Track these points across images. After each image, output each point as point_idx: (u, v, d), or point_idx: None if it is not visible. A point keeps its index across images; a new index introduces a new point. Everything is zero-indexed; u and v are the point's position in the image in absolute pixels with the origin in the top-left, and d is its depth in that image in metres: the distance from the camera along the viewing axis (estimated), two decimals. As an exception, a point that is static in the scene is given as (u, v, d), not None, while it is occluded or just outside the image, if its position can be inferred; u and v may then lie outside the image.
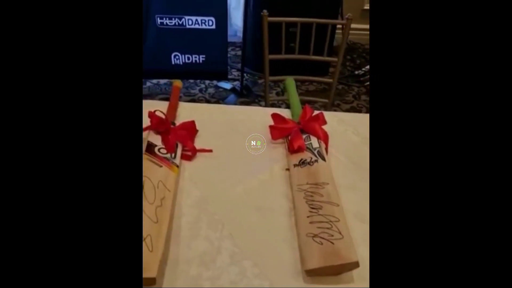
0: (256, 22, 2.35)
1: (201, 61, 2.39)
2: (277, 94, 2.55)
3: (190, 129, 0.95)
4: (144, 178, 0.76)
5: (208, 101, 2.43)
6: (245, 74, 2.61)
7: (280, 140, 0.98)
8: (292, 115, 1.05)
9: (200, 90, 2.55)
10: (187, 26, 2.26)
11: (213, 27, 2.26)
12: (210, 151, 0.92)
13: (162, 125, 0.91)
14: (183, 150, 0.90)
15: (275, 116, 0.99)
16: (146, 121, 0.92)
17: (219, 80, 2.58)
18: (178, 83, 1.17)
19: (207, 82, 2.61)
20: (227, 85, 2.58)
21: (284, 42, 1.47)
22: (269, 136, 0.98)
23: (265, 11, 1.43)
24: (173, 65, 2.40)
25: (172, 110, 1.02)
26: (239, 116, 1.09)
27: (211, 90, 2.54)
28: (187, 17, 2.23)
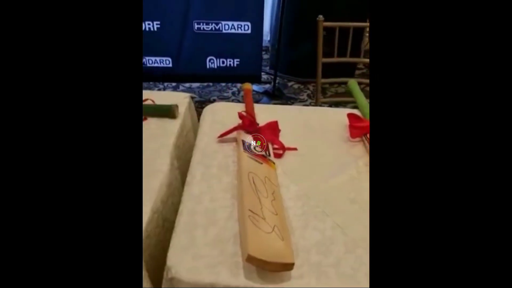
0: (284, 26, 2.41)
1: (235, 65, 2.44)
2: (308, 96, 2.60)
3: (274, 128, 1.01)
4: (251, 175, 0.81)
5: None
6: (269, 76, 2.67)
7: (358, 138, 1.03)
8: (364, 115, 1.11)
9: (233, 93, 2.60)
10: (223, 31, 2.32)
11: (249, 31, 2.32)
12: (295, 149, 0.98)
13: (252, 125, 0.97)
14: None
15: (350, 116, 1.05)
16: (226, 121, 0.98)
17: (251, 83, 2.63)
18: (248, 85, 1.22)
19: (238, 85, 2.67)
20: (258, 88, 2.63)
21: (337, 46, 1.52)
22: (345, 134, 1.04)
23: (320, 16, 1.48)
24: (207, 69, 2.45)
25: (252, 111, 1.07)
26: (312, 116, 1.14)
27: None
28: (223, 22, 2.29)
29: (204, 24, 2.30)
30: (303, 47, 2.62)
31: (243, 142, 0.92)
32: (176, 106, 1.05)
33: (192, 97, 1.18)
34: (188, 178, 0.88)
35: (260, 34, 2.35)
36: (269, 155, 0.91)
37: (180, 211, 0.79)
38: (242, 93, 2.64)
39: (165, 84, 2.65)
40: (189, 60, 2.41)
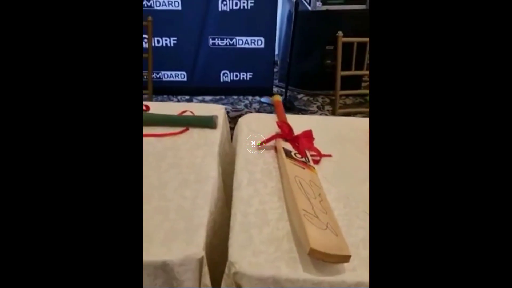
0: (295, 40, 2.50)
1: (248, 78, 2.53)
2: (318, 107, 2.69)
3: (309, 137, 1.08)
4: (297, 179, 0.88)
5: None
6: (283, 90, 2.76)
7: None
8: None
9: (246, 106, 2.68)
10: (237, 46, 2.41)
11: (262, 46, 2.41)
12: (330, 155, 1.05)
13: (290, 134, 1.04)
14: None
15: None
16: (260, 131, 1.05)
17: (262, 95, 2.72)
18: (278, 97, 1.30)
19: (249, 97, 2.75)
20: (269, 100, 2.71)
21: (355, 59, 1.61)
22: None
23: (340, 32, 1.57)
24: (221, 82, 2.54)
25: (286, 121, 1.15)
26: (339, 125, 1.22)
27: (255, 105, 2.68)
28: (238, 37, 2.39)
29: (219, 39, 2.39)
30: (311, 61, 2.71)
31: (284, 149, 0.99)
32: (216, 117, 1.12)
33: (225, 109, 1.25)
34: (235, 183, 0.94)
35: (272, 48, 2.45)
36: (309, 161, 0.98)
37: (233, 213, 0.85)
38: (254, 105, 2.72)
39: (179, 97, 2.72)
40: (204, 74, 2.50)
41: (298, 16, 2.29)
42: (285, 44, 2.71)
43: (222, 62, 2.47)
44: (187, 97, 2.75)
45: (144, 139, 1.07)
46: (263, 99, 2.76)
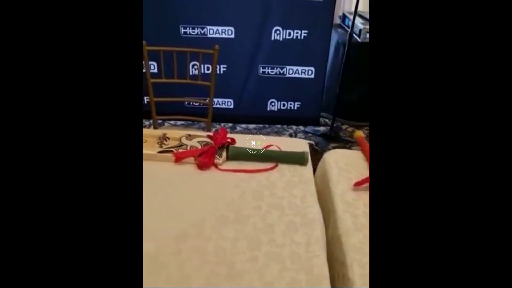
0: (339, 71, 2.48)
1: (295, 108, 2.50)
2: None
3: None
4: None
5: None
6: (327, 120, 2.71)
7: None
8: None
9: (290, 135, 2.64)
10: (287, 75, 2.39)
11: (312, 76, 2.39)
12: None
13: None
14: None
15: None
16: (350, 169, 0.98)
17: (308, 125, 2.67)
18: (361, 133, 1.24)
19: (293, 127, 2.71)
20: (313, 131, 2.67)
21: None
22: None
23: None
24: (268, 111, 2.50)
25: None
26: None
27: (300, 135, 2.63)
28: (288, 67, 2.36)
29: (269, 68, 2.37)
30: (357, 92, 2.67)
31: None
32: (308, 153, 1.07)
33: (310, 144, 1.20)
34: (341, 229, 0.88)
35: (322, 79, 2.41)
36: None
37: (349, 263, 0.78)
38: (299, 134, 2.68)
39: (222, 124, 2.69)
40: (251, 102, 2.47)
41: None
42: (331, 74, 2.68)
43: (270, 90, 2.44)
44: (230, 124, 2.72)
45: (235, 174, 1.02)
46: (307, 129, 2.71)
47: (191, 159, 1.05)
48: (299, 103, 2.48)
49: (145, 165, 1.04)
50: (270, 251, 0.78)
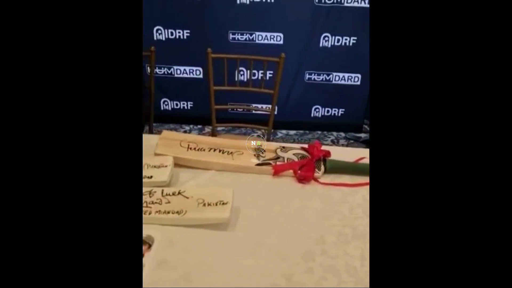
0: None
1: (339, 114, 2.48)
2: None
3: None
4: None
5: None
6: (367, 127, 2.70)
7: None
8: None
9: (332, 141, 2.62)
10: (333, 82, 2.38)
11: (358, 83, 2.38)
12: None
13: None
14: None
15: None
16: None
17: (351, 131, 2.66)
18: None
19: (335, 133, 2.69)
20: (355, 136, 2.65)
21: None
22: None
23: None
24: (311, 117, 2.50)
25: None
26: None
27: (343, 142, 2.62)
28: (335, 73, 2.35)
29: (316, 74, 2.36)
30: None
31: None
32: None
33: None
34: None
35: (367, 85, 2.40)
36: None
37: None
38: (341, 141, 2.66)
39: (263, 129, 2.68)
40: (295, 108, 2.47)
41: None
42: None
43: (315, 97, 2.43)
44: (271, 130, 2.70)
45: (337, 188, 1.00)
46: (348, 135, 2.70)
47: (288, 171, 1.04)
48: (343, 109, 2.47)
49: (244, 177, 1.03)
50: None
